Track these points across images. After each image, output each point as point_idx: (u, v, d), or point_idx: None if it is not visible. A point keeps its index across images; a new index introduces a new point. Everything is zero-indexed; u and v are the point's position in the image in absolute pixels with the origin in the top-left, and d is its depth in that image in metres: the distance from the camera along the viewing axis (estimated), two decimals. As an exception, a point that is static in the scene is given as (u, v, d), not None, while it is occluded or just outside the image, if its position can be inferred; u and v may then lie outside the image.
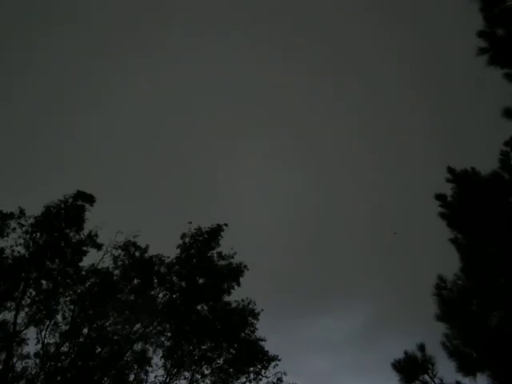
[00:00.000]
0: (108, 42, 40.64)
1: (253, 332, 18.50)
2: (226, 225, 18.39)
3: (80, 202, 16.44)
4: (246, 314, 18.51)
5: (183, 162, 39.10)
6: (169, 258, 17.82)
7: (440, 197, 9.28)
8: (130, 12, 41.85)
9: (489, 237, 7.95)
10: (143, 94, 41.74)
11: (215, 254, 17.99)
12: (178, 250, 18.06)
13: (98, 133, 39.55)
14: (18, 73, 37.84)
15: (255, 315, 18.73)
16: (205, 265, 17.50)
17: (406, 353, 9.33)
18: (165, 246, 18.22)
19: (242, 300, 18.85)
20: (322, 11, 41.99)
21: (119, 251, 16.89)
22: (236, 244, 18.43)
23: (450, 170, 9.40)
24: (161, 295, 16.73)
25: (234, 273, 17.80)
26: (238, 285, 18.09)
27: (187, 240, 18.03)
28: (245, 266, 18.06)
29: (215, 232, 18.14)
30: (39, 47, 37.79)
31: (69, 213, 16.22)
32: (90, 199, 16.73)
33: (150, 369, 16.98)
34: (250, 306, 18.84)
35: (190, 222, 18.44)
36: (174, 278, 17.19)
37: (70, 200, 16.45)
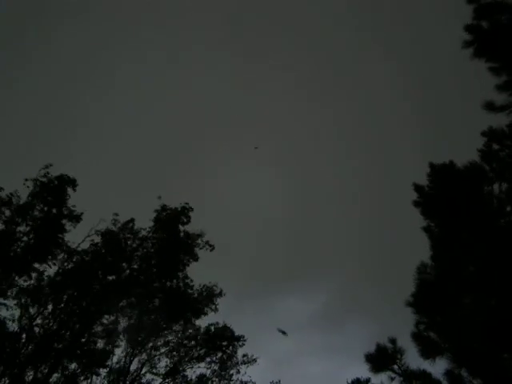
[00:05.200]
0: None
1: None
2: (191, 208, 18.88)
3: (62, 185, 16.79)
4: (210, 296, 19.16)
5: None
6: (145, 229, 18.43)
7: (418, 188, 9.31)
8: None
9: (459, 223, 7.91)
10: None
11: (182, 232, 18.47)
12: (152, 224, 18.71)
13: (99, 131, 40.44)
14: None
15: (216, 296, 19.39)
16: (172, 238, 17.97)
17: (377, 345, 9.43)
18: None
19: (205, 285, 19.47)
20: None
21: (99, 238, 17.34)
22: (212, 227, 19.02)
23: (431, 165, 9.45)
24: (127, 271, 17.11)
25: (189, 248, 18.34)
26: (196, 260, 18.58)
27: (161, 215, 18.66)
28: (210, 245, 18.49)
29: (183, 210, 18.75)
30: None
31: (51, 193, 16.58)
32: (73, 183, 17.10)
33: (117, 342, 17.26)
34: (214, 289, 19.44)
35: (160, 197, 19.03)
36: (144, 250, 17.61)
37: (54, 181, 16.80)
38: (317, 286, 34.19)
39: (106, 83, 41.26)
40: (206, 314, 18.87)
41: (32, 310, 15.68)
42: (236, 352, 19.10)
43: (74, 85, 42.53)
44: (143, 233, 18.08)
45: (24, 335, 15.18)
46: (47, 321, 15.63)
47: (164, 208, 18.71)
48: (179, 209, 18.75)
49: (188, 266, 18.49)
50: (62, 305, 15.99)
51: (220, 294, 19.24)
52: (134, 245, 17.55)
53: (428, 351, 7.40)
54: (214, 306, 18.93)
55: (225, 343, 18.94)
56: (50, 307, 15.90)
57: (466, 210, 7.83)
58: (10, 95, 37.32)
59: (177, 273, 18.13)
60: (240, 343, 19.20)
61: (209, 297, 19.04)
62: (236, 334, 19.35)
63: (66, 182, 17.02)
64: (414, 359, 8.09)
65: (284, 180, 41.34)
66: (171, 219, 18.40)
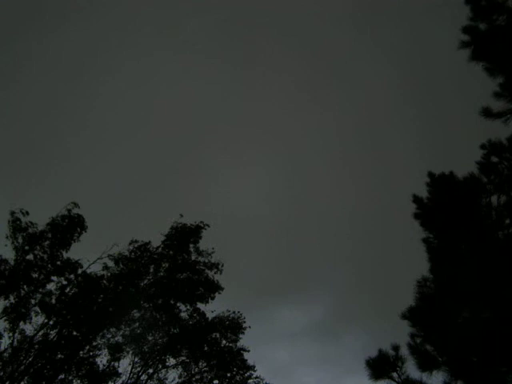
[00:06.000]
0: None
1: (235, 342, 19.06)
2: (207, 225, 18.75)
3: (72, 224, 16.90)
4: (234, 326, 19.01)
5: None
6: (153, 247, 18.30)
7: (417, 199, 9.31)
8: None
9: (458, 235, 7.94)
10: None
11: (193, 249, 18.34)
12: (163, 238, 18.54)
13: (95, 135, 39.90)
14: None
15: (241, 329, 19.19)
16: (184, 257, 17.89)
17: (379, 351, 9.47)
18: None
19: (233, 312, 19.33)
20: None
21: (112, 263, 17.40)
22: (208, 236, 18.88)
23: (430, 174, 9.43)
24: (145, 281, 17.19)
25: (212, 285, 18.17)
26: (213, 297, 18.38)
27: (173, 231, 18.47)
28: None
29: (197, 229, 18.56)
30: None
31: (59, 233, 16.70)
32: (81, 225, 17.05)
33: (121, 357, 17.36)
34: (240, 320, 19.22)
35: (182, 215, 18.91)
36: (153, 266, 17.61)
37: (65, 221, 16.85)
38: (314, 297, 34.50)
39: (104, 86, 40.35)
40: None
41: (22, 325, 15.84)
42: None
43: (72, 86, 41.64)
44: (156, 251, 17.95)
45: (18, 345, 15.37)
46: (40, 333, 15.75)
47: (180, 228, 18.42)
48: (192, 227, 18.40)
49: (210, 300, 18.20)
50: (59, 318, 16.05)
51: (242, 331, 18.93)
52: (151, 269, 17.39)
53: (425, 364, 7.53)
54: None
55: (235, 369, 18.84)
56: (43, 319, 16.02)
57: (465, 222, 7.85)
58: (9, 95, 36.56)
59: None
60: (249, 373, 19.01)
61: (233, 328, 18.84)
62: (247, 363, 19.03)
63: (76, 224, 16.96)
64: (414, 369, 8.23)
65: (283, 184, 41.07)
66: (183, 239, 18.22)
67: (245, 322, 19.19)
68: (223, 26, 43.83)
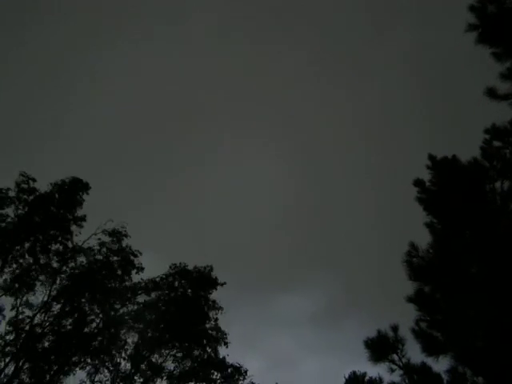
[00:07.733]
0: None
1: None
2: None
3: (75, 187, 16.99)
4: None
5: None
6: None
7: (418, 182, 9.25)
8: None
9: (463, 221, 7.92)
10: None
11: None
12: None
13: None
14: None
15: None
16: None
17: (378, 332, 9.43)
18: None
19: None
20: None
21: (107, 237, 17.62)
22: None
23: (431, 157, 9.32)
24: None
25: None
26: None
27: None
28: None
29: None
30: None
31: (63, 197, 16.72)
32: (85, 187, 17.20)
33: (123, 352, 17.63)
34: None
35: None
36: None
37: (66, 186, 16.91)
38: (317, 285, 34.72)
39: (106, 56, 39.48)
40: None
41: None
42: None
43: (66, 70, 40.70)
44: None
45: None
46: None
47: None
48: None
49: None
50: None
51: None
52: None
53: (430, 349, 7.56)
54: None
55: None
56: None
57: (470, 207, 7.82)
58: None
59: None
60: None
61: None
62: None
63: (79, 187, 16.96)
64: (415, 350, 8.27)
65: (285, 176, 40.87)
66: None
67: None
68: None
